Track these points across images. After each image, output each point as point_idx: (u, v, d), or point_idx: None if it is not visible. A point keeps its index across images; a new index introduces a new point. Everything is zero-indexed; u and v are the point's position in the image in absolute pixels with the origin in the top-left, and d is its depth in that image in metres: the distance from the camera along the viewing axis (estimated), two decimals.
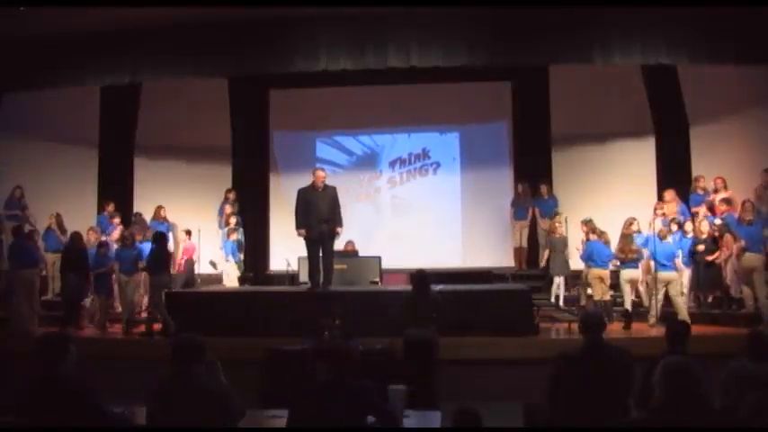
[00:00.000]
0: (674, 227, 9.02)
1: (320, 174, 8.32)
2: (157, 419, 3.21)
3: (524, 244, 11.20)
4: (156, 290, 8.37)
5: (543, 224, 10.91)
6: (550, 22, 8.28)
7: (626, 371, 3.84)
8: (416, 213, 11.89)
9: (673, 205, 9.64)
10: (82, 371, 3.35)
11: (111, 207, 10.78)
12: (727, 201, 9.14)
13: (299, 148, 12.28)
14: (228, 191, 11.35)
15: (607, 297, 8.83)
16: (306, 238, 8.19)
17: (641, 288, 9.16)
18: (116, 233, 10.12)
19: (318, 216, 8.09)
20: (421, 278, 6.66)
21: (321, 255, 8.19)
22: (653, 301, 8.59)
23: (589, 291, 9.09)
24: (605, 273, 8.84)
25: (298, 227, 8.18)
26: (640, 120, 11.06)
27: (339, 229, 8.23)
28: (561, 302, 9.83)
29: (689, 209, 9.71)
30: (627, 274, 8.75)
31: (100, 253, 9.26)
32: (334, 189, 8.31)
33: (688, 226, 9.08)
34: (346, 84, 11.07)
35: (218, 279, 10.62)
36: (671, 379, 2.68)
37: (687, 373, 2.68)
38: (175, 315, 8.04)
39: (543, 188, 11.10)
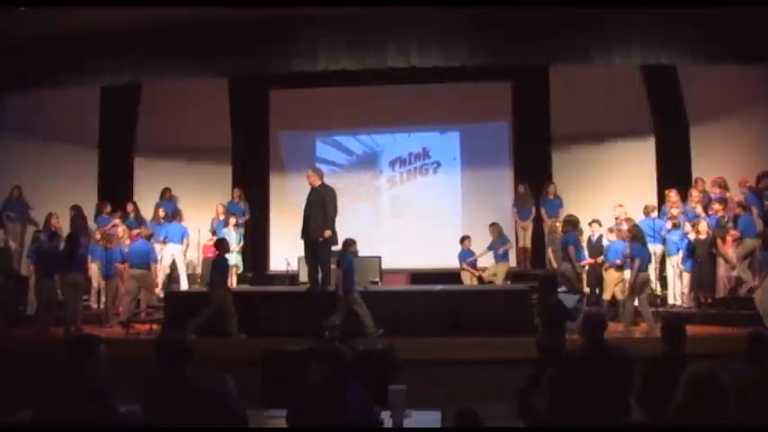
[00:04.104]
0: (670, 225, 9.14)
1: (307, 174, 8.28)
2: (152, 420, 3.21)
3: (528, 244, 11.20)
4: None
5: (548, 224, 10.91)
6: (550, 22, 8.28)
7: (626, 371, 3.84)
8: (416, 213, 11.87)
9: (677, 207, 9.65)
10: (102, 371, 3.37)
11: (107, 208, 10.77)
12: (723, 200, 9.15)
13: (299, 148, 12.27)
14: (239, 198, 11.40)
15: (620, 297, 8.79)
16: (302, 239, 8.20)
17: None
18: (120, 231, 10.13)
19: (306, 217, 8.08)
20: (545, 280, 6.57)
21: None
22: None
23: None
24: (622, 274, 8.81)
25: None
26: (640, 120, 11.05)
27: (325, 233, 7.97)
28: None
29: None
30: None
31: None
32: (324, 190, 8.14)
33: (687, 226, 9.08)
34: (346, 84, 11.06)
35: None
36: (698, 386, 2.64)
37: (716, 381, 2.65)
38: (176, 315, 8.05)
39: (550, 188, 11.09)
